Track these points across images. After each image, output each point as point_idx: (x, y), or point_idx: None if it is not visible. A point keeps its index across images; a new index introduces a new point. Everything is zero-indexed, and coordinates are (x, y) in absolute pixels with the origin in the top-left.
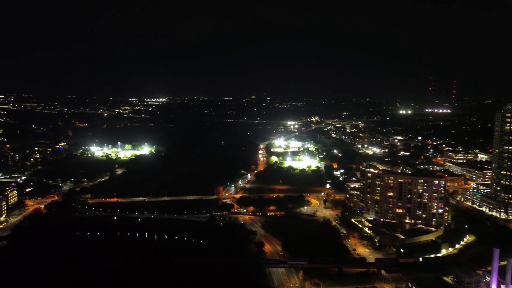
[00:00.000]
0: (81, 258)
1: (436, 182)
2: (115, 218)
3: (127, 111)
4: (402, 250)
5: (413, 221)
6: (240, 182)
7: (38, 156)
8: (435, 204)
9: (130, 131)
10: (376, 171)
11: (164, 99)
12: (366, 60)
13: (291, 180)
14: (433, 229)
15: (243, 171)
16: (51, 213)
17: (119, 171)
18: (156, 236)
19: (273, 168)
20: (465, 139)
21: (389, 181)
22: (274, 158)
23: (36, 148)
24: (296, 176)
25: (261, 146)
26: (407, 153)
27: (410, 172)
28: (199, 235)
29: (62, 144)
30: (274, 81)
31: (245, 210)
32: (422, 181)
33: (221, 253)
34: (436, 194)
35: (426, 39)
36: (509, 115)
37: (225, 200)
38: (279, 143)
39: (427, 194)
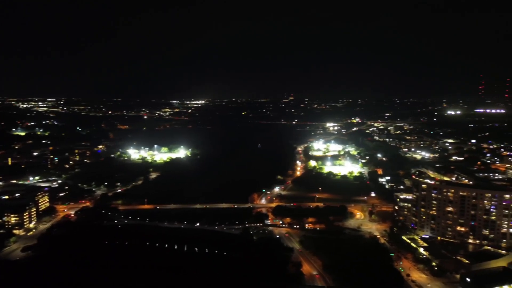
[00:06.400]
0: (106, 274)
1: (508, 196)
2: (144, 227)
3: (167, 113)
4: (468, 280)
5: (478, 241)
6: (276, 189)
7: (77, 159)
8: (506, 222)
9: (169, 133)
10: (432, 182)
11: (203, 101)
12: (408, 58)
13: (332, 187)
14: (504, 252)
15: (279, 176)
16: (80, 220)
17: (153, 175)
18: (185, 248)
19: (312, 174)
20: None
21: (449, 194)
22: (312, 163)
23: (77, 151)
24: (337, 183)
25: (299, 149)
26: (460, 158)
27: (469, 181)
28: (231, 249)
29: (101, 146)
30: (313, 83)
31: (281, 222)
32: (489, 195)
33: (255, 273)
34: (507, 211)
35: (474, 37)
36: None
37: (260, 209)
38: (318, 146)
39: (495, 210)
